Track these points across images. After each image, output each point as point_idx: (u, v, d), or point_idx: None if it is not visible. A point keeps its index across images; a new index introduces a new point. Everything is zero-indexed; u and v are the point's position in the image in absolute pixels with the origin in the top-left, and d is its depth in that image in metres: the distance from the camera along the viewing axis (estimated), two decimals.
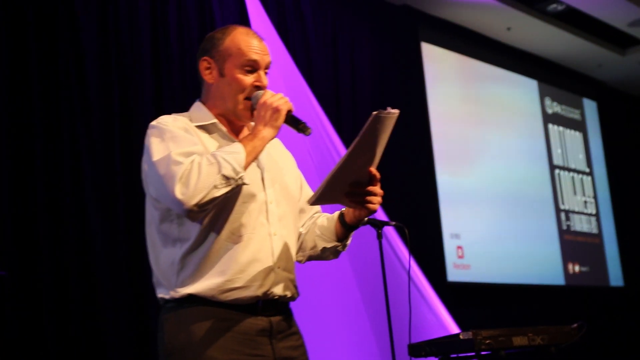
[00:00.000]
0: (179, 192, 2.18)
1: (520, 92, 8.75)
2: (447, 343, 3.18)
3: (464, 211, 7.39)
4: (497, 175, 7.95)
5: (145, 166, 2.35)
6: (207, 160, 2.22)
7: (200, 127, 2.43)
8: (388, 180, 6.36)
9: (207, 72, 2.49)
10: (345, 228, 2.53)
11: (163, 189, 2.23)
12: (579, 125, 9.58)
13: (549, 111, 9.06)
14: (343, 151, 5.67)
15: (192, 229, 2.30)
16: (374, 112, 2.22)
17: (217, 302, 2.28)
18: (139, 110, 4.94)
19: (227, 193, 2.23)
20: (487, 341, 3.07)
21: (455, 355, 3.22)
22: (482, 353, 3.14)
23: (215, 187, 2.19)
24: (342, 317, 5.38)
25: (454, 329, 5.53)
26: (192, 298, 2.28)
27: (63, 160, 4.54)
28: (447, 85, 7.72)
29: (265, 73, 2.50)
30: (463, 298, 7.00)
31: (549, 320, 5.57)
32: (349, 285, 5.49)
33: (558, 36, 8.51)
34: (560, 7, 7.93)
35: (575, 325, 3.38)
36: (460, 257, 7.18)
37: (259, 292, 2.31)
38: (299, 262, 2.62)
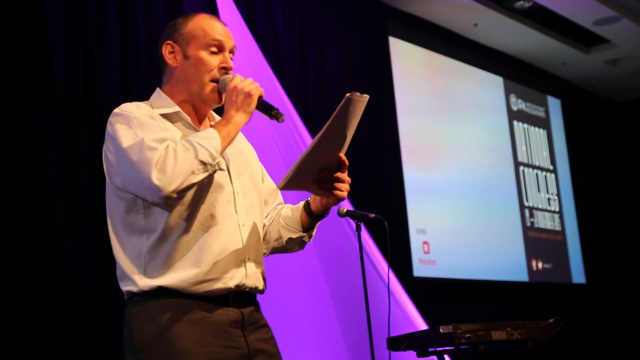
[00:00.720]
0: (155, 178, 2.10)
1: (486, 89, 8.76)
2: (426, 337, 3.15)
3: (430, 206, 7.39)
4: (463, 171, 7.96)
5: (109, 155, 2.27)
6: (182, 145, 2.15)
7: (163, 115, 2.36)
8: (355, 174, 6.35)
9: (171, 55, 2.42)
10: (311, 217, 2.49)
11: (136, 176, 2.14)
12: (543, 123, 9.63)
13: (514, 108, 9.09)
14: (310, 142, 5.62)
15: (160, 220, 2.23)
16: (347, 94, 2.17)
17: (187, 294, 2.21)
18: (106, 104, 4.85)
19: (203, 179, 2.17)
20: (467, 335, 3.05)
21: (432, 349, 3.20)
22: (461, 347, 3.12)
23: (192, 172, 2.13)
24: (308, 310, 5.34)
25: (421, 324, 5.51)
26: (161, 290, 2.21)
27: (28, 156, 4.44)
28: (415, 80, 7.70)
29: (230, 58, 2.44)
30: (428, 293, 6.99)
31: (514, 316, 5.57)
32: (316, 279, 5.45)
33: (524, 33, 8.54)
34: (527, 4, 7.95)
35: (551, 320, 3.38)
36: (426, 252, 7.18)
37: (231, 284, 2.25)
38: (263, 255, 2.54)
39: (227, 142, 2.24)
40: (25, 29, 4.58)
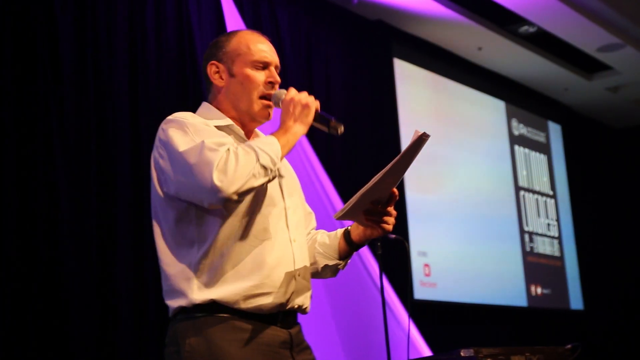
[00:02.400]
0: (217, 179, 2.05)
1: (488, 113, 8.76)
2: None
3: (431, 229, 7.36)
4: (465, 194, 7.94)
5: (160, 162, 2.21)
6: (242, 149, 2.12)
7: (216, 127, 2.32)
8: None
9: (217, 75, 2.40)
10: (350, 247, 2.46)
11: (195, 178, 2.09)
12: (544, 148, 9.63)
13: (516, 133, 9.09)
14: (316, 164, 5.62)
15: (212, 230, 2.18)
16: (420, 132, 2.19)
17: (238, 310, 2.17)
18: (115, 114, 4.88)
19: (263, 184, 2.13)
20: (488, 359, 3.02)
21: None
22: None
23: (253, 175, 2.09)
24: (312, 334, 5.30)
25: (423, 347, 5.48)
26: (213, 305, 2.16)
27: (36, 163, 4.43)
28: (418, 103, 7.70)
29: (277, 73, 2.43)
30: (428, 316, 6.95)
31: (512, 341, 5.54)
32: (318, 299, 5.41)
33: (527, 58, 8.55)
34: (531, 29, 7.97)
35: (569, 346, 3.35)
36: (427, 275, 7.14)
37: (283, 299, 2.21)
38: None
39: (286, 150, 2.21)
40: (36, 32, 4.58)
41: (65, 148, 4.56)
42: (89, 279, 4.50)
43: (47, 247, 4.39)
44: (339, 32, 7.06)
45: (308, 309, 2.34)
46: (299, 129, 2.26)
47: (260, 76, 2.37)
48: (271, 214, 2.26)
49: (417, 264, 7.08)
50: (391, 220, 2.34)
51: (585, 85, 9.53)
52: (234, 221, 2.20)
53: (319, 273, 2.51)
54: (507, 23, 7.88)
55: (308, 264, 2.39)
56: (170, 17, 5.39)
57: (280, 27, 6.34)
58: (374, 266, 5.54)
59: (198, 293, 2.16)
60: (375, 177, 2.20)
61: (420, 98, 7.75)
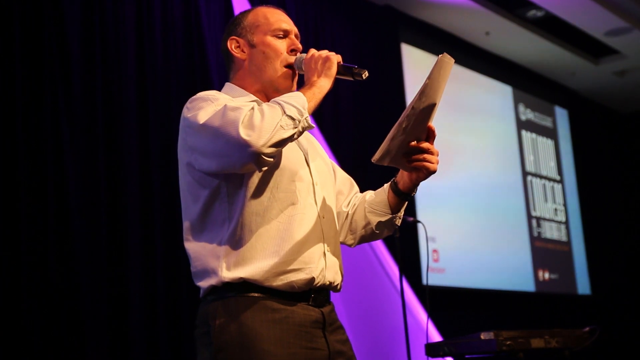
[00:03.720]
0: (244, 133, 2.00)
1: (495, 98, 8.74)
2: (467, 343, 3.12)
3: (439, 214, 7.34)
4: (472, 180, 7.93)
5: (189, 140, 2.18)
6: (267, 105, 2.09)
7: None
8: (366, 181, 6.36)
9: (237, 50, 2.38)
10: (399, 197, 2.41)
11: (222, 138, 2.05)
12: (551, 133, 9.61)
13: (523, 118, 9.07)
14: (325, 146, 5.61)
15: (241, 208, 2.15)
16: (439, 55, 2.12)
17: (269, 288, 2.13)
18: (122, 106, 4.87)
19: (293, 136, 2.08)
20: (508, 342, 3.03)
21: (470, 356, 3.17)
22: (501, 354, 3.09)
23: (281, 127, 2.04)
24: None
25: (433, 332, 5.49)
26: (243, 283, 2.12)
27: (46, 156, 4.42)
28: None
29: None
30: (436, 301, 6.95)
31: (519, 326, 5.52)
32: None
33: (535, 43, 8.52)
34: (539, 14, 7.93)
35: (586, 329, 3.35)
36: (436, 260, 7.14)
37: (311, 275, 2.17)
38: (350, 245, 2.48)
39: (313, 104, 2.16)
40: (44, 27, 4.57)
41: (74, 142, 4.56)
42: (99, 277, 4.51)
43: (57, 245, 4.40)
44: (347, 17, 7.04)
45: (340, 287, 2.30)
46: (323, 82, 2.23)
47: (281, 44, 2.36)
48: (299, 190, 2.23)
49: (425, 249, 7.07)
50: (434, 158, 2.29)
51: (592, 70, 9.50)
52: (262, 197, 2.17)
53: (376, 233, 2.47)
54: (514, 7, 7.86)
55: (338, 240, 2.36)
56: (177, 5, 5.37)
57: (288, 12, 6.30)
58: (383, 251, 5.53)
59: (227, 271, 2.13)
60: (403, 113, 2.15)
61: None
